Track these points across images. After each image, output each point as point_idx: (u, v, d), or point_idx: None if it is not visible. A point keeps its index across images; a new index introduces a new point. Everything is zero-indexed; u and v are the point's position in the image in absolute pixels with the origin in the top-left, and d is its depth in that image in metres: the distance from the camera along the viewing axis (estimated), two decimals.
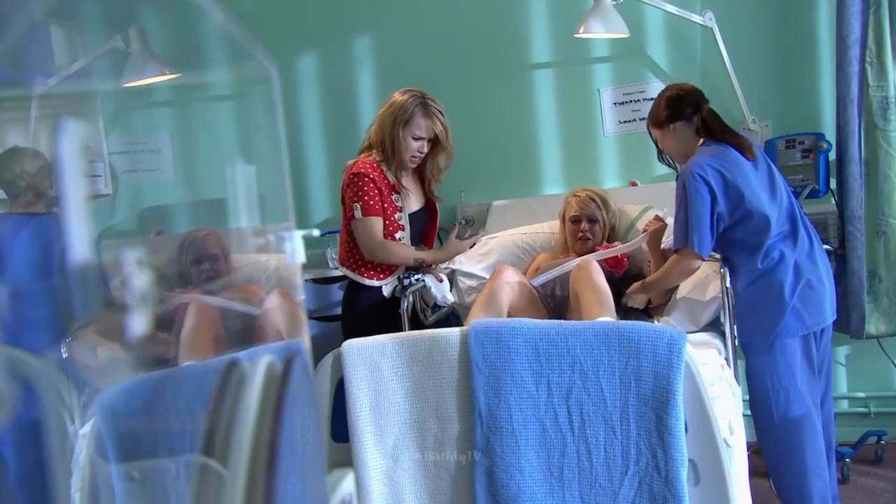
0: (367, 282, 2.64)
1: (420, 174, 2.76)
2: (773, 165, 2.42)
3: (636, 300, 2.59)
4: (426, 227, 2.82)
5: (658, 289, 2.56)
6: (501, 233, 3.12)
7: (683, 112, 2.39)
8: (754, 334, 2.33)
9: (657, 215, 2.73)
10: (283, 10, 3.61)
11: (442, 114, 2.58)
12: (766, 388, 2.31)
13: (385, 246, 2.58)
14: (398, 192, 2.65)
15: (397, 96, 2.60)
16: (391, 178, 2.62)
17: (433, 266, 2.74)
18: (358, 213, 2.55)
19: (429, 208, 2.80)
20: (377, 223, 2.57)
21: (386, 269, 2.66)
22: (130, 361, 1.31)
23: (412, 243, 2.71)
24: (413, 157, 2.61)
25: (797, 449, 2.30)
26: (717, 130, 2.37)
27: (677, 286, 2.62)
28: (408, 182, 2.69)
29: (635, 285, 2.59)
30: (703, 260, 2.36)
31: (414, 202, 2.73)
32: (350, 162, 2.66)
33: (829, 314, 2.36)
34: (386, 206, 2.60)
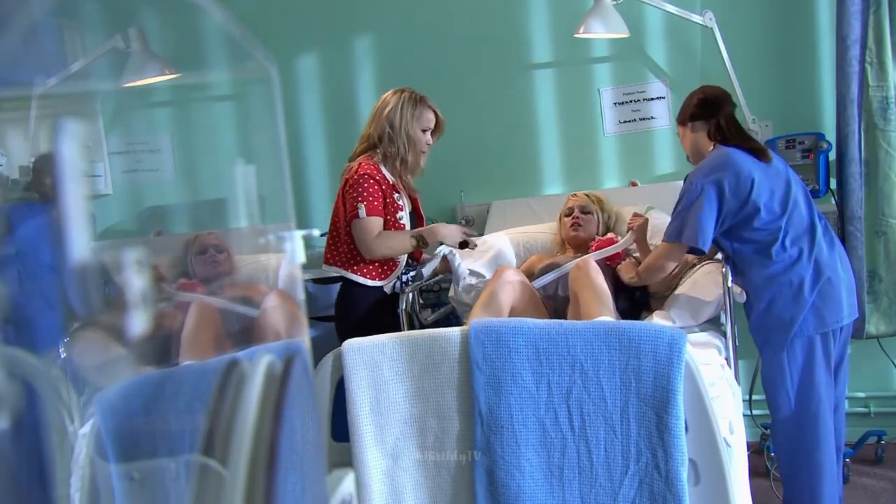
0: (366, 281, 2.64)
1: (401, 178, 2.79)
2: (789, 167, 2.43)
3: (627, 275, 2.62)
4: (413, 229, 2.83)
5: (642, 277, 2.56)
6: (501, 232, 3.12)
7: (703, 113, 2.44)
8: (773, 332, 2.33)
9: (636, 212, 2.78)
10: (283, 10, 3.61)
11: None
12: (784, 386, 2.31)
13: (380, 239, 2.59)
14: (398, 191, 2.67)
15: (392, 97, 2.66)
16: (390, 178, 2.65)
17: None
18: (362, 213, 2.57)
19: (415, 210, 2.83)
20: (378, 223, 2.60)
21: (385, 269, 2.67)
22: (130, 361, 1.31)
23: None
24: (423, 150, 2.69)
25: (812, 448, 2.30)
26: (732, 136, 2.40)
27: (679, 280, 2.62)
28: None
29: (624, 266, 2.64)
30: (686, 260, 2.43)
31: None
32: (353, 164, 2.66)
33: (848, 313, 2.36)
34: (388, 205, 2.63)
